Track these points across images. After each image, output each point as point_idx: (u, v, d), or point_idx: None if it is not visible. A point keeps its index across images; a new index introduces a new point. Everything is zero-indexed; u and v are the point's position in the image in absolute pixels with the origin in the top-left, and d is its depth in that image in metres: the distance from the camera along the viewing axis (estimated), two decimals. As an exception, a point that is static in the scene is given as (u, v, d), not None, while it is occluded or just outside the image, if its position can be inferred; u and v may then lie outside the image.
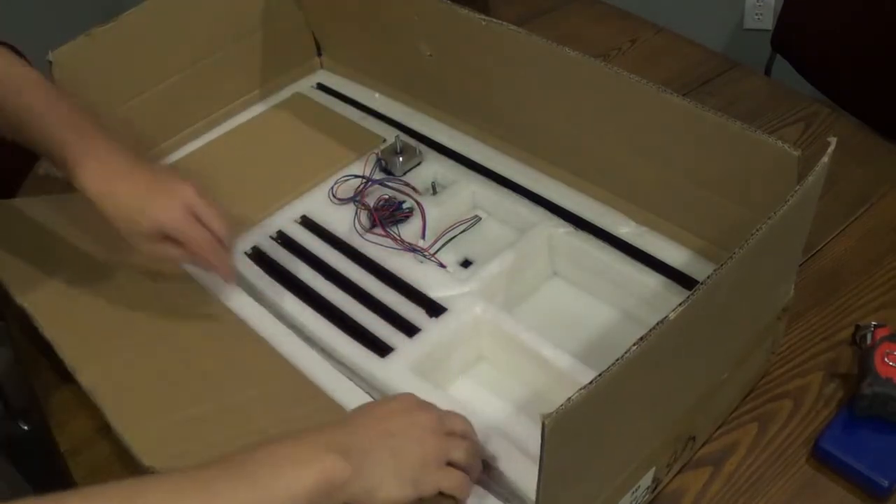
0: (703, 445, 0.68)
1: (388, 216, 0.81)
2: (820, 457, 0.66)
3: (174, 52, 0.89)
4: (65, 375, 0.80)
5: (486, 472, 0.61)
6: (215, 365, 0.68)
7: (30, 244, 0.79)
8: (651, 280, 0.72)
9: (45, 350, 0.81)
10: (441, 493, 0.57)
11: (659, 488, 0.64)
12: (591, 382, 0.44)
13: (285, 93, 1.01)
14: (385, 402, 0.60)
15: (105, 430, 0.76)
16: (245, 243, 0.82)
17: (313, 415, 0.65)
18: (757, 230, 0.51)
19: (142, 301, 0.73)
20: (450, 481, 0.57)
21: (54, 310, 0.72)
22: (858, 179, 0.90)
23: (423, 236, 0.80)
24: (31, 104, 0.70)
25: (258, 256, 0.81)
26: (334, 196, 0.85)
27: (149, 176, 0.69)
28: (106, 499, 0.48)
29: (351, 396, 0.67)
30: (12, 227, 0.81)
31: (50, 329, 0.70)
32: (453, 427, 0.59)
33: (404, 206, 0.82)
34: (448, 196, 0.83)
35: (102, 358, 0.69)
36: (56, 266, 0.76)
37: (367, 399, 0.66)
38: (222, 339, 0.69)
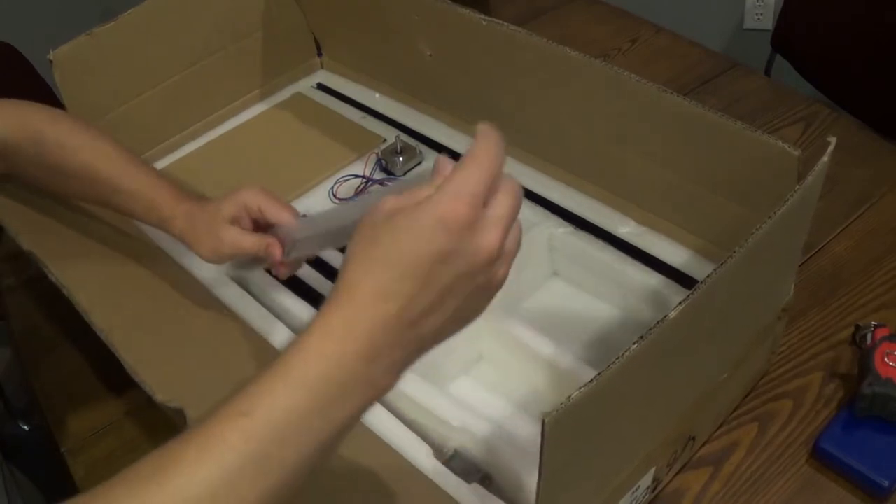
0: (703, 445, 0.68)
1: (388, 216, 0.81)
2: (820, 457, 0.66)
3: (174, 52, 0.89)
4: (64, 375, 0.80)
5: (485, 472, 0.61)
6: (220, 333, 0.70)
7: (40, 203, 0.80)
8: (651, 280, 0.72)
9: (47, 344, 0.81)
10: None
11: (659, 488, 0.64)
12: (591, 381, 0.44)
13: (285, 93, 1.01)
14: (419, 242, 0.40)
15: (105, 429, 0.76)
16: (245, 243, 0.82)
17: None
18: (756, 230, 0.51)
19: (152, 256, 0.75)
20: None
21: (65, 257, 0.73)
22: (858, 179, 0.90)
23: (423, 236, 0.80)
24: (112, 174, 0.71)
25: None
26: (334, 196, 0.85)
27: (209, 213, 0.69)
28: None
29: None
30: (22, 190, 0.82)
31: (61, 274, 0.71)
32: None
33: (404, 205, 0.82)
34: (448, 196, 0.83)
35: (114, 303, 0.71)
36: (66, 220, 0.78)
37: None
38: (225, 319, 0.71)
